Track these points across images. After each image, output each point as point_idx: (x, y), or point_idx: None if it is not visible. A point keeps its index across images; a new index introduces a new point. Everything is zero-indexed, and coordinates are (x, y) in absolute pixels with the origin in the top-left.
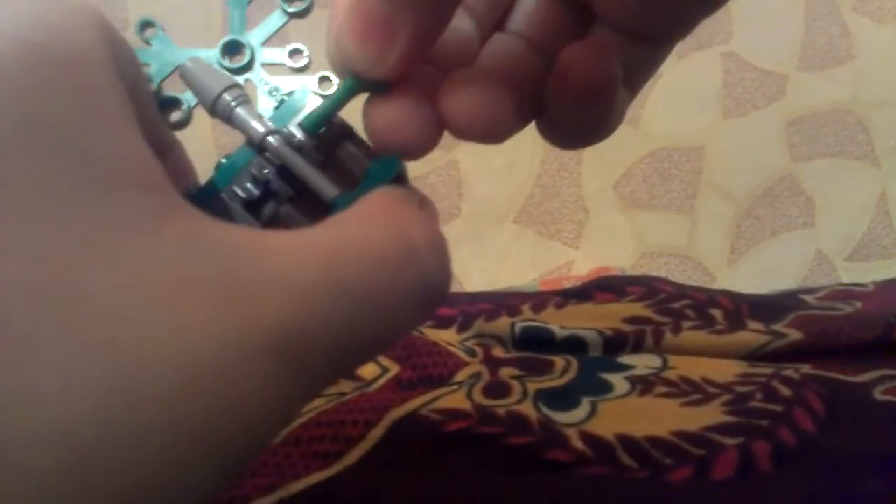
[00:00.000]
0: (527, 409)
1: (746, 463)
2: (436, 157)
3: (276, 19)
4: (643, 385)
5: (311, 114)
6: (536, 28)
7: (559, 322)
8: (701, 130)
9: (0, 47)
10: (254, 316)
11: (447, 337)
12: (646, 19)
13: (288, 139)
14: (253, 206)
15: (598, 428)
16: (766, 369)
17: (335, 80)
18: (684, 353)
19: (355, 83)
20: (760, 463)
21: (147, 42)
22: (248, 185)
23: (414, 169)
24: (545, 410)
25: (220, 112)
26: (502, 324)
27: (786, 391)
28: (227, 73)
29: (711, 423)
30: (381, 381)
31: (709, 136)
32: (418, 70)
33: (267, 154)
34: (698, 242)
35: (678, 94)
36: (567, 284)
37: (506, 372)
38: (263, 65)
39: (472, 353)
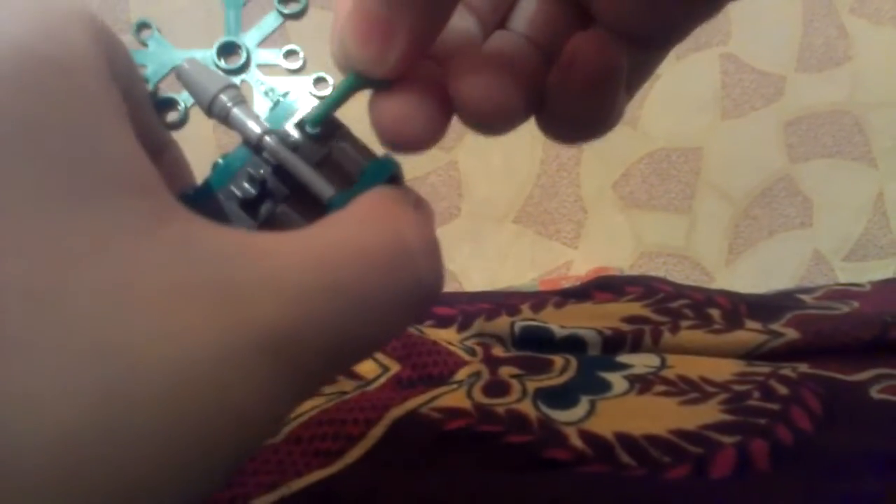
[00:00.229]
0: (526, 407)
1: (744, 461)
2: (436, 158)
3: (271, 20)
4: (641, 384)
5: (313, 109)
6: (538, 27)
7: (558, 321)
8: (699, 131)
9: None
10: (248, 318)
11: (447, 336)
12: (642, 23)
13: (284, 139)
14: (250, 206)
15: (596, 426)
16: (763, 368)
17: (331, 81)
18: (682, 352)
19: (357, 80)
20: (758, 461)
21: (143, 43)
22: (245, 185)
23: (414, 169)
24: (544, 409)
25: (216, 113)
26: (502, 323)
27: (783, 390)
28: (223, 73)
29: (709, 421)
30: (382, 379)
31: (707, 136)
32: (421, 65)
33: (264, 154)
34: (696, 242)
35: (677, 96)
36: (566, 284)
37: (505, 371)
38: (259, 66)
39: (471, 353)
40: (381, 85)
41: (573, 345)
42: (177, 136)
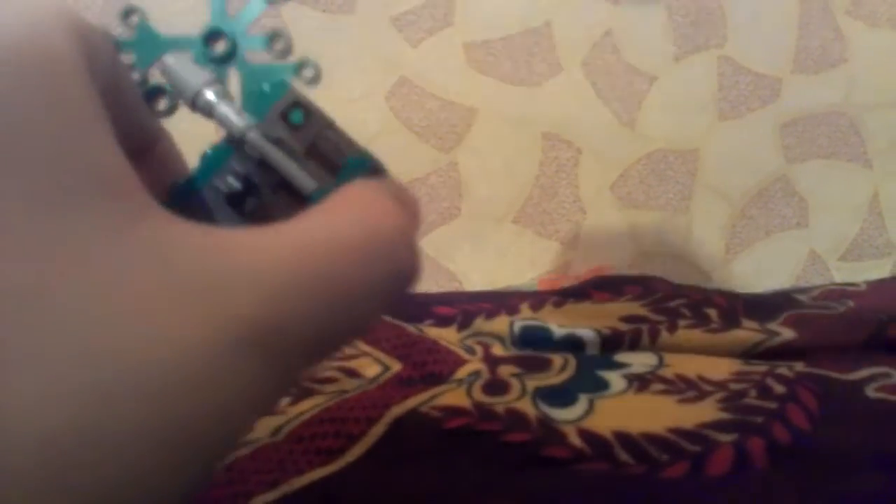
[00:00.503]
0: (525, 406)
1: (741, 459)
2: (436, 159)
3: (255, 6)
4: (640, 383)
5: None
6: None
7: (557, 321)
8: (696, 133)
9: None
10: (229, 313)
11: (447, 335)
12: None
13: (267, 133)
14: (235, 201)
15: (595, 425)
16: (760, 367)
17: (314, 64)
18: (680, 351)
19: None
20: (755, 459)
21: (130, 29)
22: (230, 180)
23: (414, 170)
24: (543, 408)
25: (200, 107)
26: (501, 322)
27: (780, 388)
28: (206, 67)
29: (707, 419)
30: (382, 378)
31: (704, 138)
32: None
33: (247, 148)
34: (694, 242)
35: (674, 98)
36: (565, 284)
37: (505, 370)
38: (246, 52)
39: (471, 352)
40: None
41: (572, 344)
42: (172, 122)
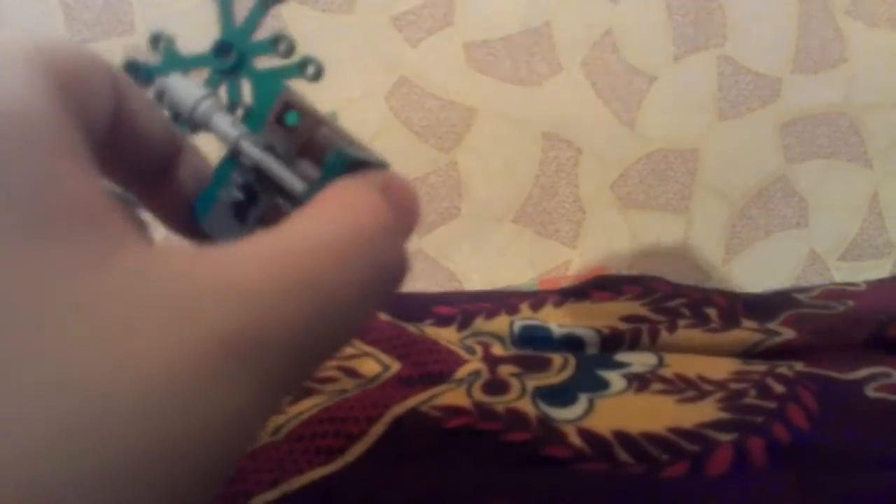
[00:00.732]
0: (525, 405)
1: (741, 458)
2: (436, 159)
3: (257, 11)
4: (639, 382)
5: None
6: None
7: (557, 320)
8: (696, 132)
9: None
10: (204, 328)
11: (447, 335)
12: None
13: (264, 139)
14: (240, 211)
15: (595, 424)
16: (760, 367)
17: (316, 62)
18: (680, 350)
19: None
20: (755, 458)
21: (156, 54)
22: (234, 191)
23: (414, 170)
24: (543, 407)
25: (196, 122)
26: (501, 322)
27: (779, 388)
28: (206, 82)
29: (706, 419)
30: (383, 378)
31: (704, 137)
32: None
33: (242, 158)
34: (694, 242)
35: (674, 97)
36: (565, 284)
37: (505, 369)
38: (253, 58)
39: (471, 351)
40: None
41: (572, 343)
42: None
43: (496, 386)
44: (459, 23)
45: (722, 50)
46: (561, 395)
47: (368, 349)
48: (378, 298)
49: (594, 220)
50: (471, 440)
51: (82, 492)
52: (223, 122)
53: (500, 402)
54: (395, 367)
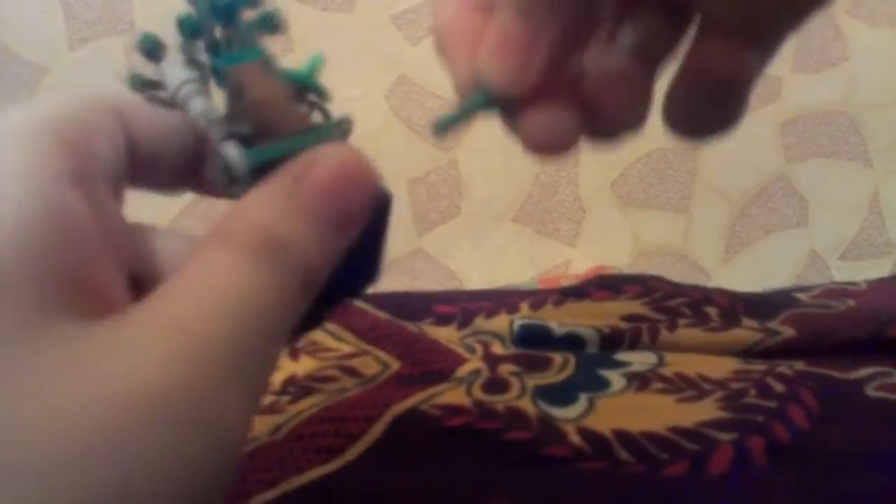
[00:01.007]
0: (525, 405)
1: (741, 458)
2: (436, 158)
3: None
4: (639, 381)
5: (443, 121)
6: (642, 41)
7: (557, 319)
8: None
9: None
10: (104, 391)
11: (447, 334)
12: (753, 17)
13: (227, 126)
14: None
15: (595, 423)
16: (760, 366)
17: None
18: (680, 350)
19: (487, 99)
20: (755, 458)
21: (157, 61)
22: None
23: (414, 169)
24: (543, 406)
25: (179, 106)
26: (501, 321)
27: (780, 387)
28: (189, 69)
29: (707, 418)
30: (382, 377)
31: None
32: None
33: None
34: (694, 241)
35: None
36: (565, 283)
37: (505, 368)
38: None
39: (471, 350)
40: (507, 105)
41: (572, 343)
42: None
43: (496, 385)
44: None
45: None
46: (561, 394)
47: (368, 348)
48: (306, 294)
49: (594, 219)
50: (471, 439)
51: None
52: (197, 105)
53: (500, 401)
54: (395, 365)
